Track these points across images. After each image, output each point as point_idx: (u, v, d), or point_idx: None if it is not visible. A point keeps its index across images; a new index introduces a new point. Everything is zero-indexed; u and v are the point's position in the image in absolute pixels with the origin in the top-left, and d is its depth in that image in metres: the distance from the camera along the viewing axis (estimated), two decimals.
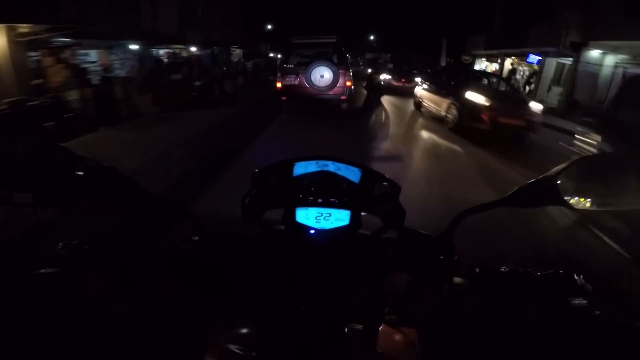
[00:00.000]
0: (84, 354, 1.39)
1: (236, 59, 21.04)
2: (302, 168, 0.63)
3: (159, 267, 0.56)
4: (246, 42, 25.51)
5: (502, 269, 0.56)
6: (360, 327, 0.63)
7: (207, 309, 0.63)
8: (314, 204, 0.62)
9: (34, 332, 1.13)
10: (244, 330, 0.67)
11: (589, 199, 0.58)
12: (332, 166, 0.63)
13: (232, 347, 0.64)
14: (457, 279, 0.59)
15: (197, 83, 10.85)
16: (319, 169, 0.63)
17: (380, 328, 0.64)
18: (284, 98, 8.12)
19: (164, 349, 1.34)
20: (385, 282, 0.63)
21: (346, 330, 0.58)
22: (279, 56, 33.25)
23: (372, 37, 37.90)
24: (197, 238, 0.60)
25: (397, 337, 0.69)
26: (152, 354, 1.34)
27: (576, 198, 0.57)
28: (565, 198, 0.56)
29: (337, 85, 7.67)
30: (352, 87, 8.18)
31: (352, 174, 0.63)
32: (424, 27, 25.89)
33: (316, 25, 31.70)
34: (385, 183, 0.64)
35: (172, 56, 14.02)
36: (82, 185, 0.54)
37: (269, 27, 32.16)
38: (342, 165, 0.63)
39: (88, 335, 1.45)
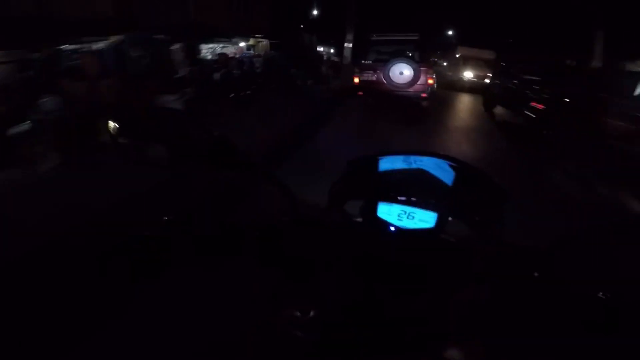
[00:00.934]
0: (160, 319, 1.36)
1: (255, 53, 14.60)
2: (393, 163, 0.62)
3: (244, 242, 0.60)
4: (278, 31, 18.92)
5: (600, 295, 0.50)
6: (424, 334, 0.58)
7: (285, 291, 0.63)
8: (398, 201, 0.59)
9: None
10: (305, 315, 0.61)
11: None
12: (425, 162, 0.61)
13: (291, 329, 0.60)
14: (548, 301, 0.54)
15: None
16: (408, 165, 0.62)
17: (447, 340, 0.59)
18: (360, 93, 8.08)
19: (231, 322, 1.17)
20: (463, 292, 0.59)
21: (409, 334, 0.57)
22: (331, 51, 26.33)
23: (450, 32, 28.70)
24: (285, 218, 0.63)
25: (462, 352, 0.59)
26: (215, 325, 1.29)
27: None
28: None
29: (418, 83, 7.41)
30: (435, 85, 7.95)
31: (446, 173, 0.60)
32: (543, 15, 16.60)
33: (369, 12, 23.59)
34: (487, 187, 0.60)
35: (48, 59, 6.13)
36: (202, 151, 0.59)
37: (315, 12, 24.87)
38: (435, 161, 0.60)
39: (167, 300, 1.41)
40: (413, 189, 0.58)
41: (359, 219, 0.61)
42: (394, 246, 0.59)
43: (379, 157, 0.62)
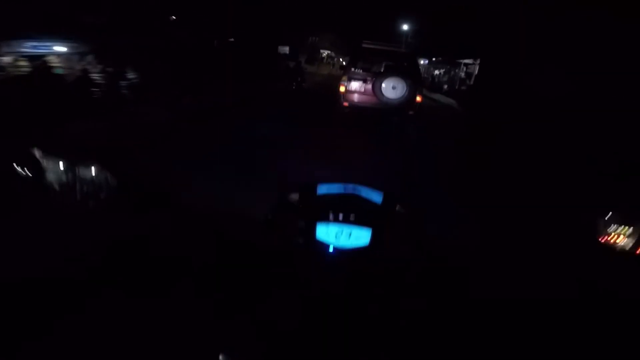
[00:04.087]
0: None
1: None
2: (325, 189, 0.68)
3: (179, 274, 0.59)
4: None
5: (520, 308, 0.58)
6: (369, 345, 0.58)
7: (224, 317, 0.60)
8: (335, 220, 0.62)
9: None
10: (253, 342, 0.59)
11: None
12: (356, 189, 0.68)
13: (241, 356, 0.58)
14: (477, 308, 0.59)
15: None
16: (343, 190, 0.68)
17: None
18: (345, 104, 7.27)
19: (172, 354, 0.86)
20: (401, 304, 0.61)
21: (356, 347, 0.56)
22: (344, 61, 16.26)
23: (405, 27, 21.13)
24: (217, 248, 0.63)
25: None
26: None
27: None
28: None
29: (408, 100, 6.92)
30: (422, 103, 7.36)
31: (375, 195, 0.67)
32: None
33: None
34: (409, 208, 0.68)
35: None
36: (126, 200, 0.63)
37: None
38: (364, 189, 0.68)
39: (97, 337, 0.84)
40: (348, 208, 0.63)
41: (299, 240, 0.64)
42: (333, 266, 0.61)
43: (317, 184, 0.67)
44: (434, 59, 21.05)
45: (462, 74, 17.13)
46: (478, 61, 14.57)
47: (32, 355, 0.49)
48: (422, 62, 22.61)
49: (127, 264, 0.58)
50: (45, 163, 0.66)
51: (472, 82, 15.10)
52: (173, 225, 0.73)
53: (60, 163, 0.65)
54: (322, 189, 0.67)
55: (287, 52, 18.18)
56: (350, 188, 0.66)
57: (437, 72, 20.81)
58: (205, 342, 0.53)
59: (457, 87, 16.61)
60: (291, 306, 0.58)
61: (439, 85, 18.66)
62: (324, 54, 32.09)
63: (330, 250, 0.60)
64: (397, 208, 0.67)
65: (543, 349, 0.55)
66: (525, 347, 0.54)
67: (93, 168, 0.65)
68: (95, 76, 6.09)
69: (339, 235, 0.60)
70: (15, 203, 0.67)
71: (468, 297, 0.59)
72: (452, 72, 18.49)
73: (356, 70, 7.30)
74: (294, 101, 9.77)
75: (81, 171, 0.65)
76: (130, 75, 6.65)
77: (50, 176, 0.64)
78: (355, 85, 7.12)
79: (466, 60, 16.35)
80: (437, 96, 15.92)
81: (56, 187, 0.64)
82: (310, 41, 24.63)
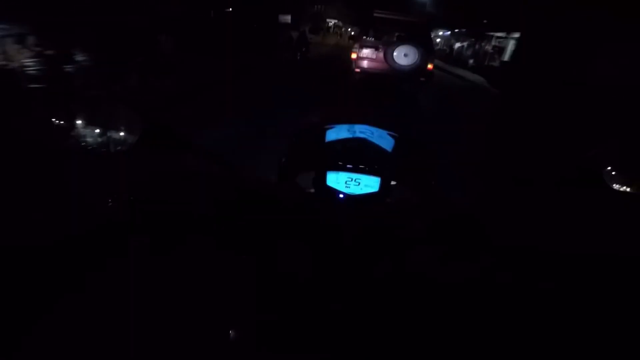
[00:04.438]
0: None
1: None
2: (335, 133, 0.67)
3: (196, 225, 0.57)
4: None
5: (534, 249, 0.55)
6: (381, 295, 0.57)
7: (242, 271, 0.57)
8: (345, 169, 0.63)
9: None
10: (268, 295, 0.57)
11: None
12: (367, 132, 0.66)
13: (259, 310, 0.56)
14: (486, 257, 0.57)
15: None
16: (352, 135, 0.66)
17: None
18: (357, 70, 7.41)
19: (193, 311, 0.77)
20: (411, 253, 0.60)
21: (367, 297, 0.56)
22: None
23: None
24: (234, 197, 0.61)
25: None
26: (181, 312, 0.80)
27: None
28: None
29: (420, 67, 6.93)
30: (433, 70, 7.33)
31: (385, 141, 0.66)
32: None
33: None
34: (422, 151, 0.69)
35: None
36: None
37: None
38: (376, 131, 0.67)
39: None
40: (357, 156, 0.63)
41: (311, 190, 0.65)
42: (344, 213, 0.62)
43: (326, 129, 0.67)
44: (456, 30, 18.70)
45: (490, 49, 15.03)
46: (514, 35, 12.48)
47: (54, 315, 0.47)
48: (441, 33, 20.34)
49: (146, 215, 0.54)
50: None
51: (505, 58, 13.06)
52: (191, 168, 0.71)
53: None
54: (331, 135, 0.66)
55: (289, 22, 16.14)
56: (359, 132, 0.66)
57: (459, 44, 18.54)
58: (216, 314, 0.50)
59: (485, 62, 14.55)
60: (304, 261, 0.56)
61: (463, 59, 16.52)
62: (331, 24, 29.94)
63: (341, 197, 0.62)
64: (408, 152, 0.66)
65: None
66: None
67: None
68: (28, 62, 4.38)
69: (349, 183, 0.62)
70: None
71: (483, 244, 0.56)
72: (478, 46, 16.27)
73: (368, 38, 7.44)
74: (298, 76, 8.74)
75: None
76: (80, 57, 4.93)
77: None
78: (367, 52, 7.24)
79: (498, 34, 14.18)
80: (461, 72, 13.88)
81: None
82: (315, 9, 22.25)
